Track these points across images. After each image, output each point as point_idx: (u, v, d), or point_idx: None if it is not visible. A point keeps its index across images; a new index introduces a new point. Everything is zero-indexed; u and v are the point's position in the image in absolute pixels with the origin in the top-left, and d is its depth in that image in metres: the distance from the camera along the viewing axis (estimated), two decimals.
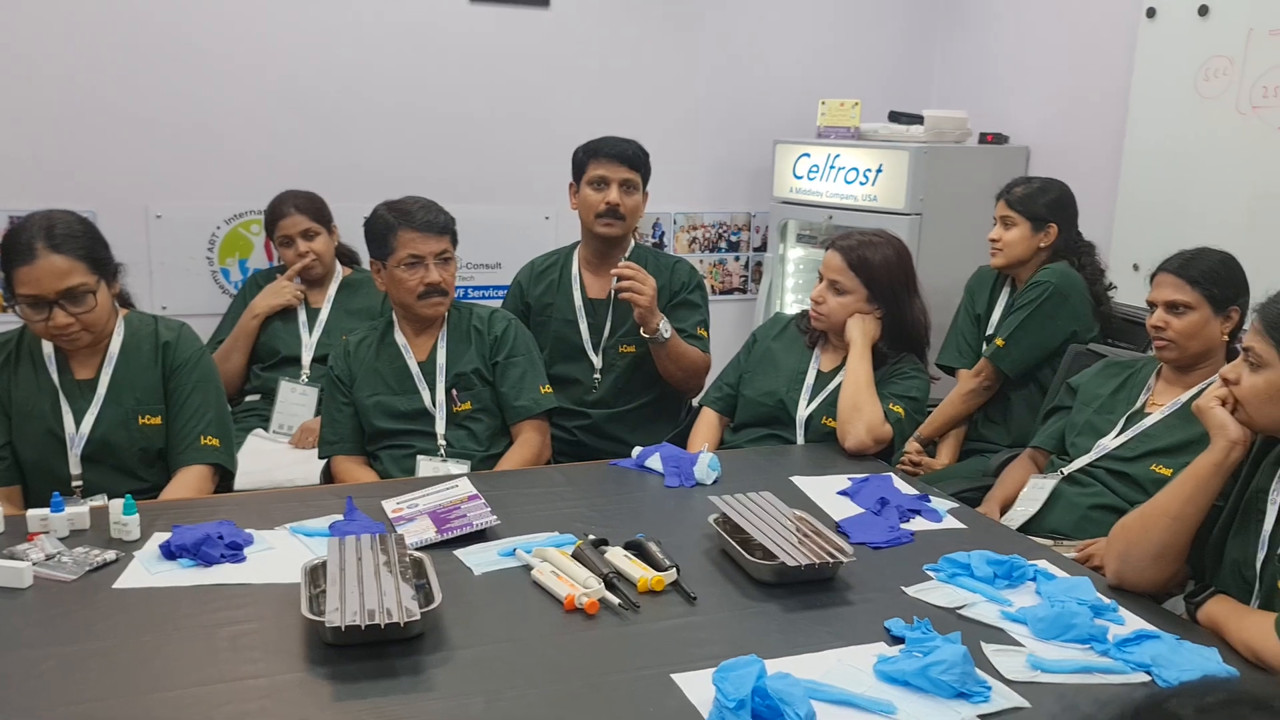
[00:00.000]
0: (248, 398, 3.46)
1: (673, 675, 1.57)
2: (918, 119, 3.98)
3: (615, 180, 3.00)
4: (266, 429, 3.33)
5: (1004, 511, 2.64)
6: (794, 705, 1.42)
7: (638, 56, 4.30)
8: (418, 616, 1.61)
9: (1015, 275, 3.35)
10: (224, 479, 2.54)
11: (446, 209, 2.70)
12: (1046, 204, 3.23)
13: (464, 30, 4.02)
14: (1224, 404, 1.88)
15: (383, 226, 2.64)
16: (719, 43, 4.41)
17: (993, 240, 3.29)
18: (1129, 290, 3.48)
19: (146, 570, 1.91)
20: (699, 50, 4.38)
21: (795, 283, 4.48)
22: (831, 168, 4.10)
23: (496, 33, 4.06)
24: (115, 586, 1.84)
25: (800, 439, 2.77)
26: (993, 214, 3.32)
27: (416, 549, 1.95)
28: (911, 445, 3.35)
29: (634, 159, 3.02)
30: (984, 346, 3.39)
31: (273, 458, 3.15)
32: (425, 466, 2.63)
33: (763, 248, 4.62)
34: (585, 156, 3.05)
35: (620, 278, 2.86)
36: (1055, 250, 3.25)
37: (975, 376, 3.27)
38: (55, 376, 2.41)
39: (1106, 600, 1.86)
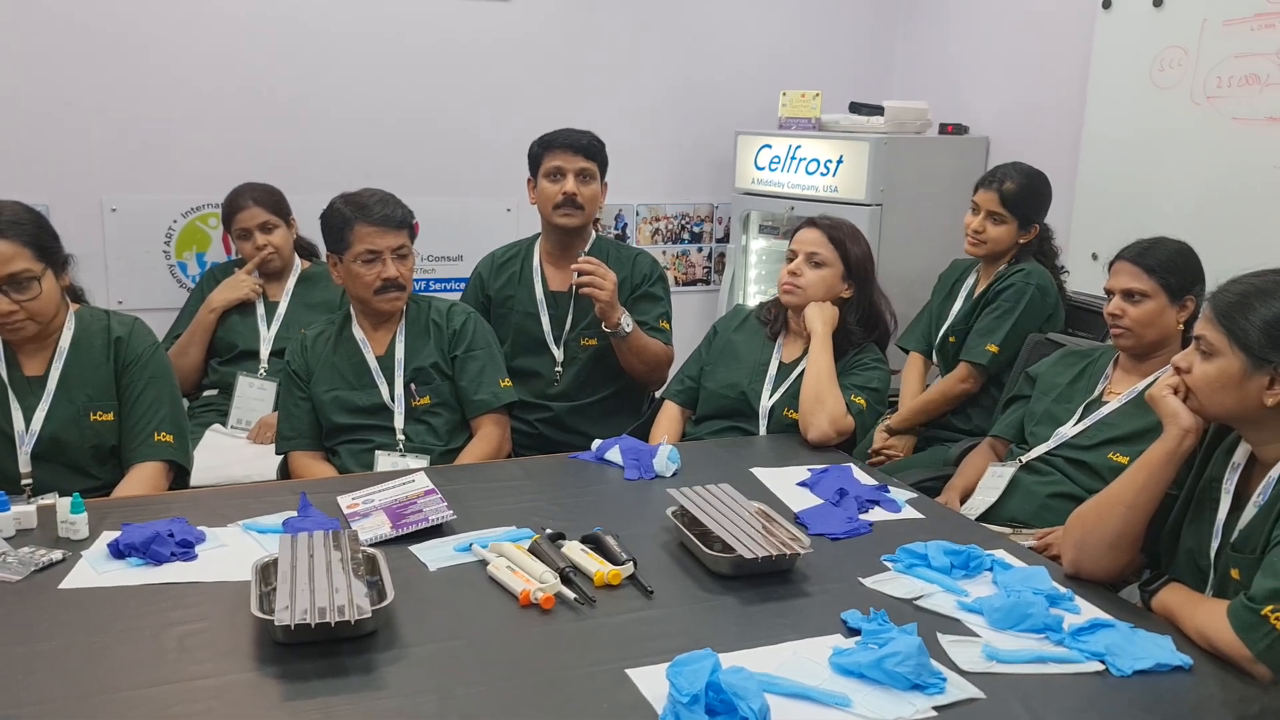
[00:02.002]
0: (205, 393, 3.42)
1: (627, 670, 1.56)
2: (878, 110, 3.98)
3: (571, 170, 2.98)
4: (224, 424, 3.29)
5: (964, 500, 2.65)
6: (748, 699, 1.41)
7: (599, 48, 4.27)
8: (369, 614, 1.59)
9: (984, 262, 3.36)
10: (180, 475, 2.51)
11: (407, 201, 2.67)
12: (1036, 205, 3.24)
13: (424, 21, 3.98)
14: (1176, 392, 1.89)
15: (339, 220, 2.61)
16: (681, 33, 4.39)
17: (976, 231, 3.26)
18: (1087, 279, 3.51)
19: (94, 570, 1.88)
20: (661, 41, 4.37)
21: (758, 274, 4.48)
22: (793, 159, 4.10)
23: (457, 24, 4.03)
24: (61, 587, 1.81)
25: (763, 430, 2.76)
26: (971, 199, 3.29)
27: (371, 545, 1.93)
28: (880, 437, 3.35)
29: (589, 149, 3.00)
30: (937, 337, 3.42)
31: (230, 453, 3.12)
32: (384, 461, 2.61)
33: (726, 239, 4.61)
34: (540, 149, 3.03)
35: (581, 272, 2.84)
36: (1028, 243, 3.27)
37: (963, 382, 3.25)
38: (4, 373, 2.37)
39: (1063, 589, 1.86)
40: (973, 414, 3.27)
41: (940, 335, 3.41)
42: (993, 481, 2.59)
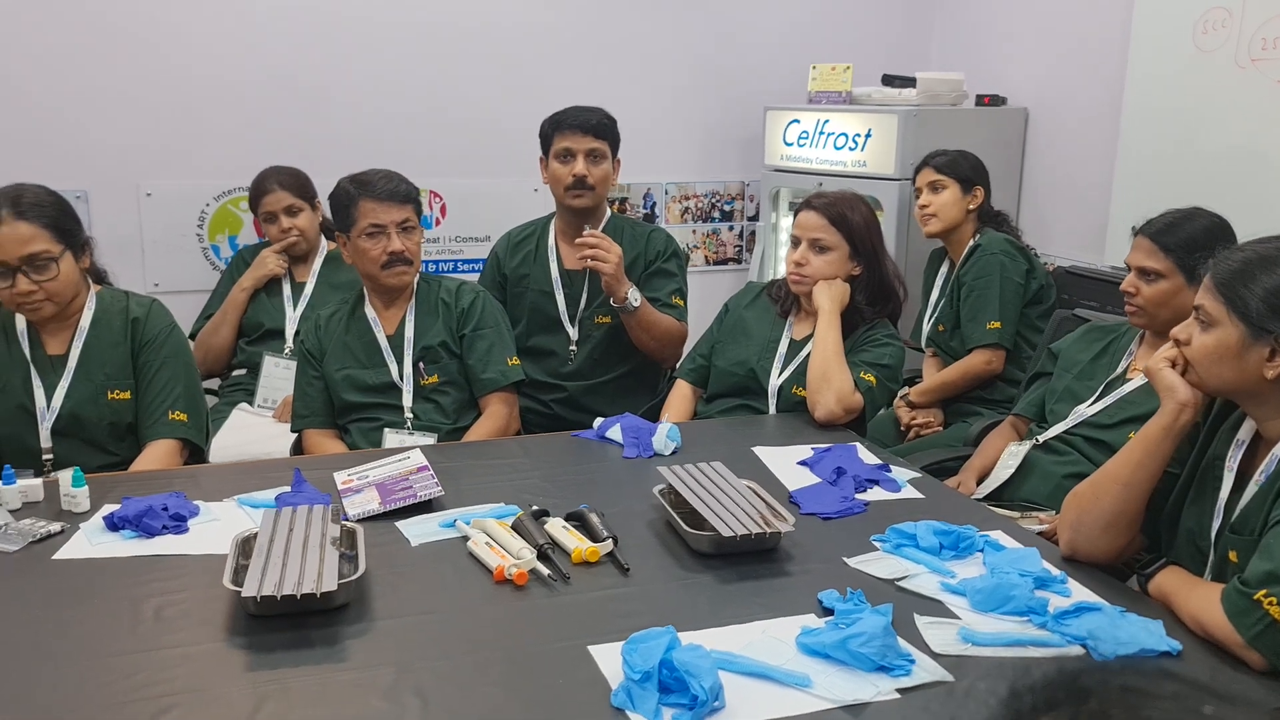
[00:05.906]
0: (234, 372, 3.47)
1: (589, 647, 1.55)
2: (910, 82, 3.89)
3: (581, 151, 2.96)
4: (252, 403, 3.34)
5: (981, 481, 2.59)
6: (699, 677, 1.39)
7: (627, 24, 4.23)
8: (334, 587, 1.60)
9: (949, 246, 3.40)
10: (196, 453, 2.55)
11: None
12: (971, 167, 3.31)
13: (448, 4, 3.98)
14: (1174, 365, 1.81)
15: (345, 198, 2.63)
16: (709, 7, 4.33)
17: (923, 207, 3.34)
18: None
19: (89, 541, 1.92)
20: (689, 16, 4.31)
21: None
22: (821, 133, 4.03)
23: (482, 6, 4.02)
24: (55, 558, 1.85)
25: (772, 409, 2.72)
26: (913, 187, 3.40)
27: (359, 520, 1.94)
28: (909, 414, 3.30)
29: (598, 128, 2.97)
30: (925, 326, 3.46)
31: (254, 430, 3.16)
32: (392, 439, 2.63)
33: (757, 217, 4.55)
34: (550, 129, 3.02)
35: (586, 246, 2.83)
36: (981, 215, 3.33)
37: (987, 365, 3.24)
38: (27, 351, 2.43)
39: (1055, 571, 1.80)
40: (992, 390, 3.25)
41: (930, 326, 3.46)
42: (1007, 460, 2.53)
